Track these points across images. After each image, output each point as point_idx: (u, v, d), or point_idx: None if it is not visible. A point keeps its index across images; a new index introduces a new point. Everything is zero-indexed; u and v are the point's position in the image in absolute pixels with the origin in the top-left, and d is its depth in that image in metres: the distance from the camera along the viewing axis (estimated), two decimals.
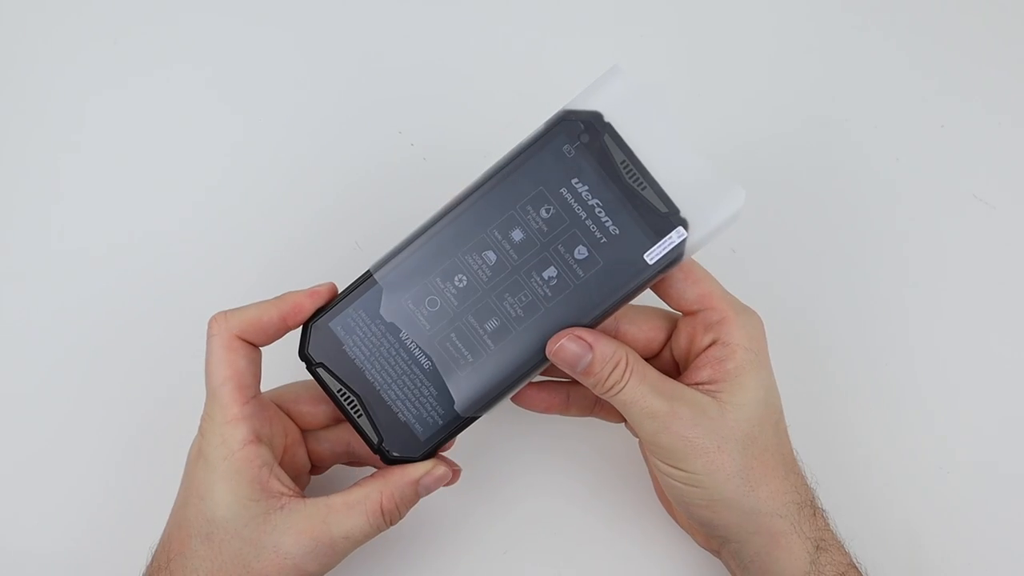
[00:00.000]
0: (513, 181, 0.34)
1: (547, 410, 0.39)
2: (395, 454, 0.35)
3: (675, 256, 0.34)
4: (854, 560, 0.36)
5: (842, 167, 0.48)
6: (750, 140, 0.48)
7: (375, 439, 0.35)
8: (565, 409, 0.40)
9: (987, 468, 0.45)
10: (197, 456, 0.34)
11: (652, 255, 0.34)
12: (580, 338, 0.34)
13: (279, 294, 0.35)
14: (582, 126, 0.34)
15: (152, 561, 0.34)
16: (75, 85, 0.48)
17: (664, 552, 0.43)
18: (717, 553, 0.39)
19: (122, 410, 0.44)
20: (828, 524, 0.36)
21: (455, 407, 0.35)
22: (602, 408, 0.40)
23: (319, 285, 0.35)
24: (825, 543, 0.35)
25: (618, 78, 0.34)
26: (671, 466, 0.34)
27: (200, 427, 0.34)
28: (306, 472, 0.39)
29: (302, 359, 0.35)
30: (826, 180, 0.48)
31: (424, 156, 0.48)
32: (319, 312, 0.35)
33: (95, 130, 0.48)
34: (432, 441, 0.35)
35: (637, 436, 0.35)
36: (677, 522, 0.42)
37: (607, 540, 0.43)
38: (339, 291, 0.36)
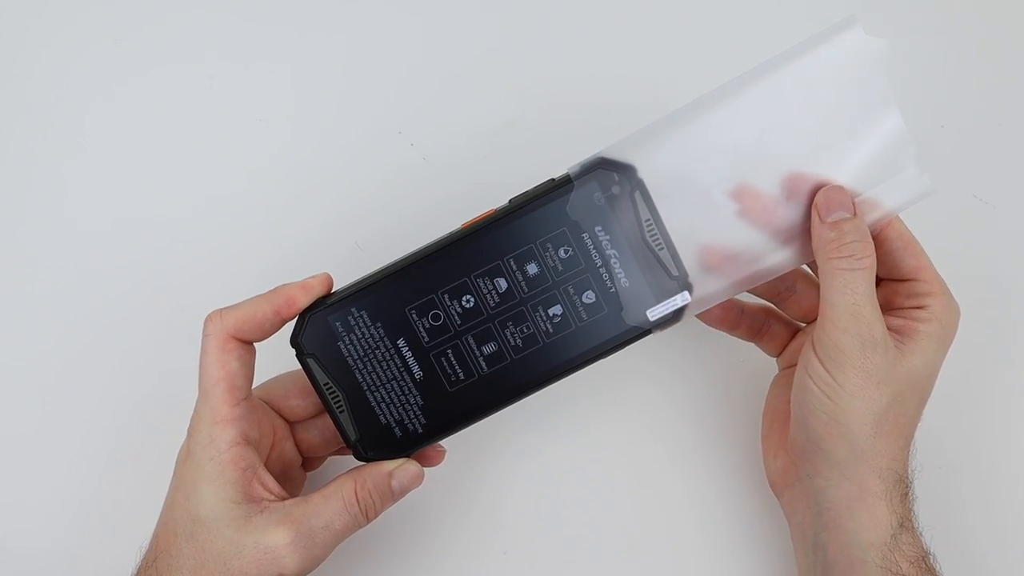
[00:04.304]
0: (538, 216, 0.34)
1: (719, 323, 0.41)
2: (371, 454, 0.35)
3: (675, 316, 0.35)
4: (930, 550, 0.36)
5: None
6: None
7: (352, 436, 0.35)
8: (735, 327, 0.41)
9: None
10: (186, 456, 0.34)
11: (654, 312, 0.35)
12: (852, 199, 0.34)
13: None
14: (616, 178, 0.34)
15: (142, 559, 0.35)
16: (76, 86, 0.48)
17: (664, 552, 0.43)
18: (788, 488, 0.39)
19: (114, 406, 0.44)
20: (913, 511, 0.36)
21: (437, 416, 0.35)
22: (768, 332, 0.41)
23: (313, 276, 0.35)
24: (908, 524, 0.35)
25: (660, 136, 0.34)
26: (826, 368, 0.34)
27: (190, 426, 0.34)
28: (297, 465, 0.39)
29: (293, 346, 0.35)
30: None
31: (424, 156, 0.48)
32: (320, 302, 0.35)
33: (97, 130, 0.48)
34: (410, 447, 0.36)
35: (819, 325, 0.35)
36: (762, 443, 0.41)
37: (607, 540, 0.43)
38: (334, 284, 0.36)
